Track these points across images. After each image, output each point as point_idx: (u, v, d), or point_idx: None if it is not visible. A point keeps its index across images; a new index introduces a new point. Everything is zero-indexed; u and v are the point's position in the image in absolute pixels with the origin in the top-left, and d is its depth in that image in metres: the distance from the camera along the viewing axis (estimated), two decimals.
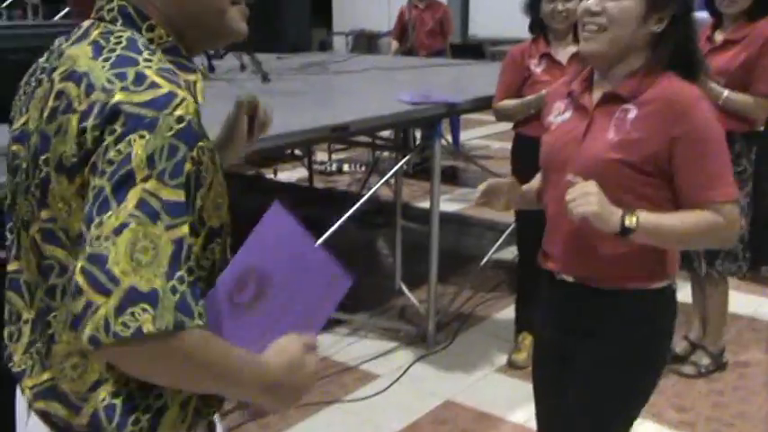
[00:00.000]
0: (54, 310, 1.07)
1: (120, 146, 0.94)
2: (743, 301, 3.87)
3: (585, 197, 1.48)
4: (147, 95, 0.96)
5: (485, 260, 4.01)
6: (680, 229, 1.57)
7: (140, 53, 1.02)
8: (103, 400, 1.04)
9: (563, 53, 3.02)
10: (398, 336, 3.57)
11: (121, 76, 0.98)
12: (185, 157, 0.96)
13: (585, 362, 1.74)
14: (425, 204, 4.26)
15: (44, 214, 1.05)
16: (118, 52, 1.01)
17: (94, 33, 1.07)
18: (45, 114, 1.03)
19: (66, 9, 4.89)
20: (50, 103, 1.03)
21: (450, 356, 3.39)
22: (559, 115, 1.76)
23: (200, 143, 0.99)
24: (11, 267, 1.16)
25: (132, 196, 0.93)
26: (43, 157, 1.02)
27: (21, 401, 1.17)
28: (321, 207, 4.82)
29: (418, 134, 5.35)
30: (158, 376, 0.99)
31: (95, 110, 0.96)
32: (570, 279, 1.73)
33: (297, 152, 6.41)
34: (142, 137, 0.94)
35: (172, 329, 0.92)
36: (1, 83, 2.11)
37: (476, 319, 3.76)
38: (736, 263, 3.07)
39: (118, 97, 0.96)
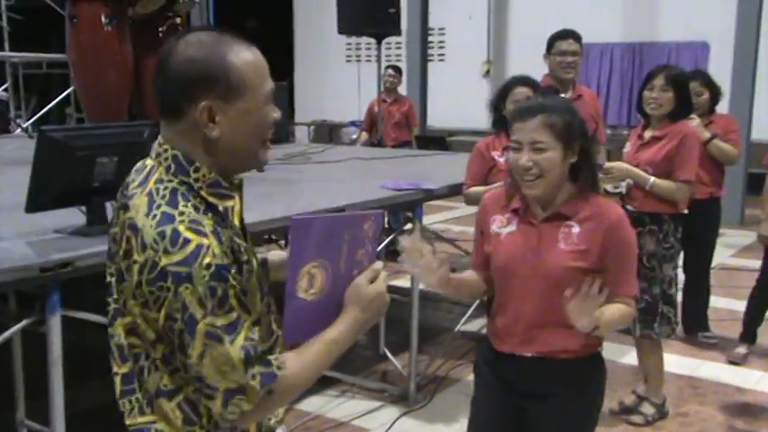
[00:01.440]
0: (144, 381, 1.41)
1: (177, 298, 1.28)
2: (683, 362, 4.39)
3: (588, 310, 1.88)
4: (181, 255, 1.27)
5: (456, 330, 4.49)
6: (618, 319, 2.02)
7: (177, 207, 1.32)
8: None
9: None
10: (383, 396, 3.97)
11: (162, 237, 1.28)
12: (225, 290, 1.29)
13: (549, 422, 2.13)
14: (397, 283, 4.77)
15: (127, 317, 1.39)
16: (162, 209, 1.32)
17: (152, 181, 1.36)
18: (121, 251, 1.36)
19: None
20: (124, 245, 1.35)
21: (429, 413, 3.79)
22: (504, 227, 2.11)
23: (232, 273, 1.31)
24: (109, 330, 1.46)
25: (199, 331, 1.30)
26: (123, 283, 1.36)
27: None
28: None
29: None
30: (287, 401, 1.47)
31: (147, 267, 1.30)
32: (529, 354, 2.09)
33: (273, 235, 6.84)
34: (186, 288, 1.27)
35: (264, 397, 1.34)
36: (69, 174, 2.60)
37: (450, 380, 4.19)
38: (669, 325, 3.54)
39: (163, 261, 1.28)
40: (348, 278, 1.50)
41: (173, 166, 1.37)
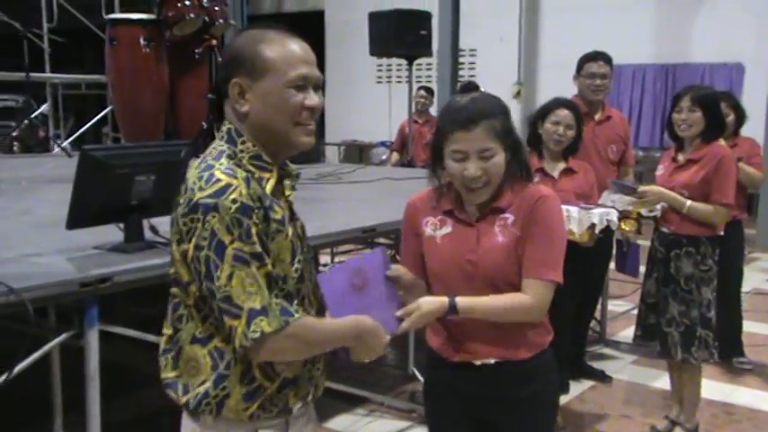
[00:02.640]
0: (179, 331, 1.62)
1: (206, 226, 1.48)
2: (717, 388, 4.32)
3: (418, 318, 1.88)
4: (211, 190, 1.49)
5: None
6: (499, 307, 1.94)
7: (219, 160, 1.56)
8: (198, 391, 1.60)
9: (554, 168, 3.61)
10: (411, 416, 3.97)
11: (200, 179, 1.52)
12: (249, 224, 1.48)
13: (518, 429, 2.11)
14: None
15: (172, 268, 1.62)
16: (207, 162, 1.56)
17: (210, 149, 1.63)
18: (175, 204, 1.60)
19: None
20: (179, 199, 1.58)
21: None
22: (438, 230, 2.04)
23: (256, 213, 1.50)
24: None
25: (228, 254, 1.48)
26: (172, 231, 1.60)
27: None
28: None
29: None
30: (289, 355, 1.59)
31: (184, 203, 1.53)
32: (492, 361, 2.03)
33: None
34: (214, 216, 1.47)
35: (283, 326, 1.50)
36: (109, 192, 2.66)
37: None
38: (707, 350, 3.47)
39: (197, 196, 1.50)
40: (376, 308, 1.82)
41: (225, 136, 1.62)
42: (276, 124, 1.60)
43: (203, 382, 1.59)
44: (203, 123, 4.76)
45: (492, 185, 1.97)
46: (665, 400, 4.00)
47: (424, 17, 6.30)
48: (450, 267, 2.02)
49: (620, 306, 5.80)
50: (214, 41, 4.74)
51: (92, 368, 2.38)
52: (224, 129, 1.63)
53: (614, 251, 4.06)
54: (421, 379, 4.18)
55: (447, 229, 2.04)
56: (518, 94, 12.38)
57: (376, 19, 6.34)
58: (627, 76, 10.82)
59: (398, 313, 1.88)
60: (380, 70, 13.16)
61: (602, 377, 4.48)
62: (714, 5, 10.11)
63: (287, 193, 1.66)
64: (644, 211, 3.49)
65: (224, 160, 1.56)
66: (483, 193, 1.97)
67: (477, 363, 2.04)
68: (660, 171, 3.60)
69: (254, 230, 1.50)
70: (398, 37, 6.21)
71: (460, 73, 11.51)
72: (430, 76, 11.81)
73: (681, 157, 3.51)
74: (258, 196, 1.54)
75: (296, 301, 1.59)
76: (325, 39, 13.77)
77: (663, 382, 4.22)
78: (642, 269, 3.79)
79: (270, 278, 1.52)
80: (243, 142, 1.60)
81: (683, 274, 3.43)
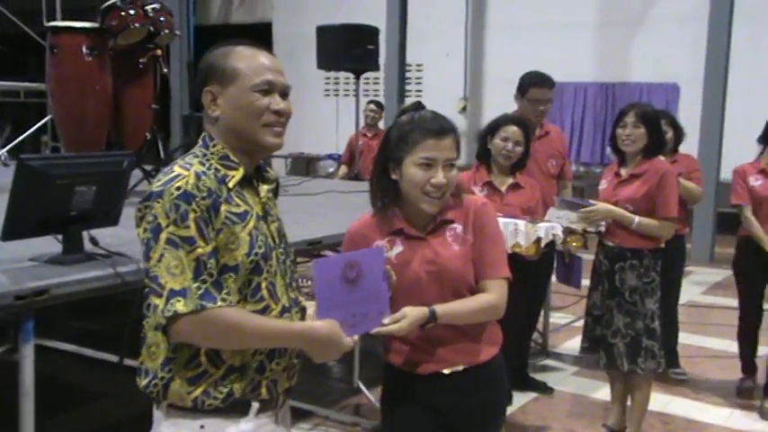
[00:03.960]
0: (145, 319, 1.71)
1: (151, 211, 1.62)
2: (654, 398, 4.38)
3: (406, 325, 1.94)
4: (163, 180, 1.64)
5: None
6: (467, 309, 2.04)
7: (184, 159, 1.71)
8: (152, 375, 1.70)
9: (503, 183, 3.67)
10: (356, 429, 3.96)
11: (161, 173, 1.69)
12: (186, 210, 1.59)
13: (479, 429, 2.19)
14: None
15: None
16: (176, 162, 1.71)
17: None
18: None
19: None
20: None
21: None
22: (390, 251, 2.07)
23: (197, 201, 1.60)
24: None
25: (162, 237, 1.60)
26: None
27: None
28: None
29: None
30: (205, 340, 1.64)
31: (144, 196, 1.67)
32: (461, 368, 2.11)
33: None
34: (158, 202, 1.62)
35: (197, 309, 1.58)
36: (47, 203, 2.61)
37: None
38: (654, 360, 3.54)
39: (153, 186, 1.66)
40: (368, 303, 1.90)
41: (200, 142, 1.77)
42: (245, 126, 1.72)
43: (157, 366, 1.69)
44: (147, 134, 4.69)
45: (446, 197, 2.06)
46: (606, 411, 4.07)
47: (371, 32, 6.35)
48: (411, 283, 2.06)
49: (562, 318, 5.90)
50: (159, 51, 4.68)
51: (26, 384, 2.31)
52: (202, 135, 1.78)
53: (555, 264, 4.14)
54: (366, 392, 4.23)
55: (399, 248, 2.10)
56: (464, 108, 12.54)
57: (324, 33, 6.37)
58: (569, 94, 11.07)
59: (385, 321, 1.93)
60: (328, 83, 13.18)
61: (544, 389, 4.54)
62: (651, 28, 10.43)
63: (262, 195, 1.77)
64: (592, 228, 3.56)
65: (189, 158, 1.71)
66: (439, 203, 2.05)
67: (447, 371, 2.11)
68: (603, 185, 3.68)
69: (191, 216, 1.60)
70: (346, 51, 6.24)
71: (407, 87, 11.62)
72: (377, 90, 11.87)
73: (624, 172, 3.60)
74: (209, 188, 1.64)
75: (226, 291, 1.63)
76: (272, 51, 13.74)
77: (604, 393, 4.30)
78: (585, 282, 3.87)
79: (199, 263, 1.60)
80: (214, 145, 1.74)
81: (627, 287, 3.50)
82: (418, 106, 2.18)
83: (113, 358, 3.83)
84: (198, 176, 1.64)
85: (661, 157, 3.64)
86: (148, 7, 4.63)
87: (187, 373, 1.67)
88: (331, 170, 7.67)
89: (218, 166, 1.71)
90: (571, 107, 11.24)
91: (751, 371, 4.53)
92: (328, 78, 12.94)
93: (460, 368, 2.12)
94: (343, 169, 7.72)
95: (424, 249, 2.09)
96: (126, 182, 2.92)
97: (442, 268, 2.07)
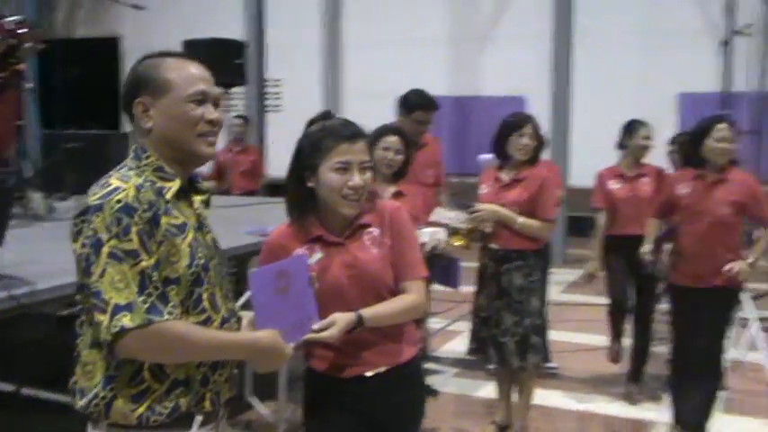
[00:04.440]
0: (78, 338, 1.70)
1: (90, 226, 1.58)
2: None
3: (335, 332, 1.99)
4: (101, 193, 1.62)
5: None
6: (393, 310, 2.12)
7: (119, 171, 1.70)
8: (89, 396, 1.67)
9: (386, 191, 3.78)
10: None
11: (96, 185, 1.66)
12: (129, 223, 1.57)
13: (407, 426, 2.27)
14: None
15: (78, 275, 1.66)
16: (109, 174, 1.69)
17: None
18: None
19: None
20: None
21: None
22: (311, 258, 2.10)
23: (139, 213, 1.59)
24: None
25: (103, 252, 1.57)
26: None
27: None
28: None
29: None
30: (153, 355, 1.62)
31: (80, 209, 1.64)
32: (383, 369, 2.17)
33: None
34: (97, 216, 1.58)
35: (145, 323, 1.56)
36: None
37: None
38: (538, 355, 3.77)
39: (89, 200, 1.63)
40: (299, 310, 1.96)
41: (132, 154, 1.75)
42: (179, 136, 1.72)
43: (96, 385, 1.66)
44: (10, 151, 4.44)
45: (363, 199, 2.11)
46: (490, 409, 4.27)
47: (239, 46, 6.33)
48: (333, 288, 2.11)
49: (438, 323, 6.11)
50: (22, 66, 4.45)
51: None
52: (131, 149, 1.75)
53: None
54: (258, 406, 4.19)
55: (318, 255, 2.14)
56: None
57: (192, 47, 6.27)
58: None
59: (315, 327, 1.96)
60: None
61: (429, 392, 4.69)
62: (499, 44, 11.05)
63: (195, 206, 1.78)
64: (488, 228, 3.72)
65: (124, 171, 1.69)
66: (357, 205, 2.11)
67: (370, 374, 2.16)
68: (485, 190, 3.86)
69: (134, 229, 1.58)
70: (215, 65, 6.16)
71: (266, 102, 11.60)
72: (236, 105, 11.77)
73: (506, 177, 3.81)
74: (149, 200, 1.63)
75: (172, 304, 1.63)
76: (121, 66, 13.27)
77: (486, 391, 4.54)
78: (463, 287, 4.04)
79: (143, 276, 1.59)
80: (147, 157, 1.72)
81: (514, 287, 3.70)
82: (326, 115, 2.24)
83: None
84: (138, 189, 1.63)
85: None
86: (9, 20, 4.39)
87: (130, 390, 1.65)
88: None
89: (154, 178, 1.70)
90: None
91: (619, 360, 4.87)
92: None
93: (383, 369, 2.17)
94: (213, 185, 7.61)
95: (343, 254, 2.14)
96: (11, 200, 2.79)
97: (362, 272, 2.13)
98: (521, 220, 3.69)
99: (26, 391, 4.01)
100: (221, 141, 7.93)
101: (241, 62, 6.27)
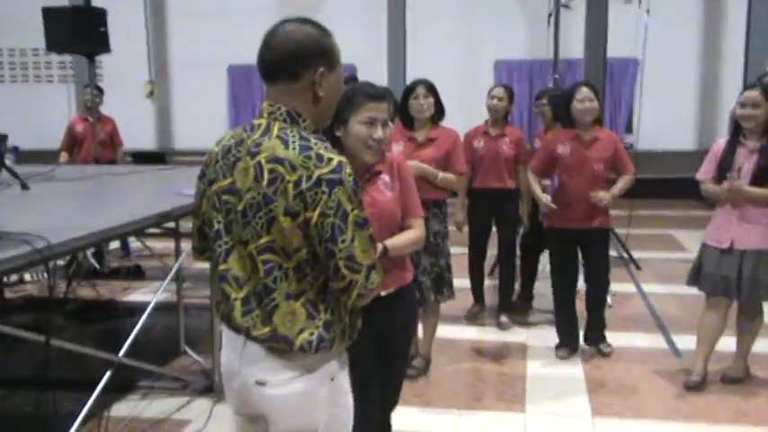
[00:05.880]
0: (273, 291, 1.84)
1: (332, 197, 1.75)
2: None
3: None
4: (329, 167, 1.77)
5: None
6: (406, 242, 2.60)
7: (308, 140, 1.80)
8: (306, 338, 1.87)
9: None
10: (186, 391, 4.20)
11: (308, 158, 1.76)
12: (358, 194, 1.79)
13: (399, 337, 2.72)
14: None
15: (265, 238, 1.82)
16: (298, 143, 1.79)
17: (275, 131, 1.83)
18: (263, 182, 1.79)
19: None
20: (267, 175, 1.79)
21: None
22: None
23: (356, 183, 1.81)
24: (222, 267, 1.93)
25: (350, 221, 1.78)
26: (271, 206, 1.78)
27: (231, 338, 1.98)
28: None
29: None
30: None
31: (304, 180, 1.75)
32: (393, 289, 2.60)
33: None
34: (339, 189, 1.76)
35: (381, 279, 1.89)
36: None
37: None
38: (451, 289, 4.34)
39: (317, 173, 1.75)
40: None
41: (287, 119, 1.85)
42: (332, 108, 1.96)
43: (302, 330, 1.85)
44: None
45: (382, 149, 2.54)
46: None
47: (101, 14, 6.30)
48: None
49: None
50: None
51: None
52: (280, 111, 1.86)
53: None
54: (193, 354, 4.46)
55: None
56: (151, 93, 12.47)
57: (51, 15, 6.15)
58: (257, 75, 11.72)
59: None
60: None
61: None
62: (327, 13, 11.46)
63: None
64: None
65: (313, 139, 1.82)
66: (378, 155, 2.53)
67: (384, 294, 2.54)
68: (400, 149, 4.27)
69: (361, 198, 1.83)
70: (77, 34, 6.13)
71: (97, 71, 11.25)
72: (64, 75, 11.35)
73: (419, 137, 4.33)
74: None
75: None
76: None
77: None
78: None
79: (372, 239, 1.85)
80: (304, 120, 1.87)
81: (431, 232, 4.18)
82: (353, 78, 2.63)
83: None
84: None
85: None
86: None
87: (339, 326, 1.91)
88: (62, 160, 7.33)
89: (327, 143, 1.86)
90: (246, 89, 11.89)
91: (480, 300, 5.68)
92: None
93: (393, 290, 2.61)
94: (64, 156, 7.49)
95: (363, 196, 2.51)
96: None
97: (381, 210, 2.54)
98: (441, 175, 4.22)
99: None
100: (75, 112, 7.81)
101: (104, 30, 6.23)
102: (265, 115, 1.89)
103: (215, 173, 1.94)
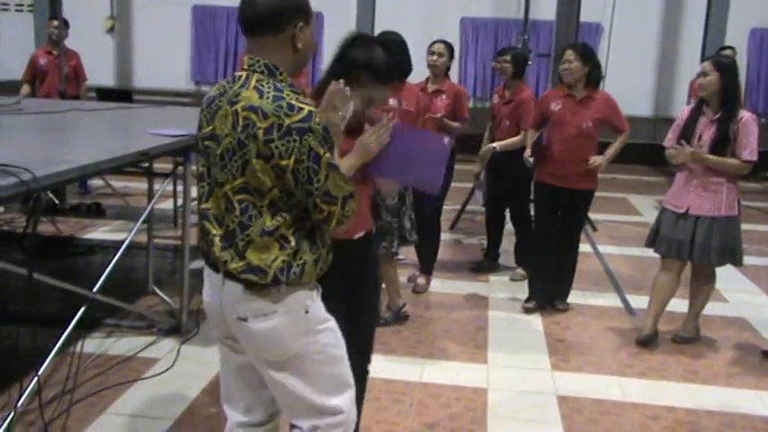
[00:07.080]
0: (249, 228, 1.97)
1: (303, 144, 1.88)
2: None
3: None
4: (300, 116, 1.89)
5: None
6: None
7: (282, 91, 1.93)
8: (278, 266, 2.00)
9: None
10: (153, 331, 4.23)
11: (280, 107, 1.89)
12: (328, 139, 1.92)
13: (370, 277, 2.79)
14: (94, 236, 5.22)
15: (239, 180, 1.95)
16: (271, 93, 1.92)
17: (253, 82, 1.96)
18: (239, 128, 1.92)
19: None
20: (241, 122, 1.92)
21: (203, 339, 4.16)
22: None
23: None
24: (203, 206, 2.08)
25: (323, 162, 1.93)
26: (245, 150, 1.91)
27: (211, 276, 2.12)
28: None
29: None
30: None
31: (275, 128, 1.88)
32: (362, 233, 2.63)
33: None
34: (309, 136, 1.89)
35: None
36: None
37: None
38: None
39: (287, 121, 1.87)
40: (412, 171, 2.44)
41: (265, 71, 1.98)
42: (306, 60, 2.08)
43: (275, 259, 1.99)
44: None
45: None
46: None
47: None
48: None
49: None
50: None
51: None
52: (259, 65, 1.98)
53: None
54: (161, 294, 4.47)
55: None
56: (112, 28, 12.15)
57: None
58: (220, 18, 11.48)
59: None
60: None
61: None
62: None
63: None
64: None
65: (286, 90, 1.94)
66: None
67: (356, 237, 2.62)
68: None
69: (332, 143, 1.96)
70: None
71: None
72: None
73: (431, 88, 4.87)
74: None
75: None
76: None
77: None
78: None
79: (344, 178, 2.01)
80: (281, 73, 1.99)
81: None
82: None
83: None
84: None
85: None
86: None
87: (312, 255, 2.05)
88: (24, 92, 7.13)
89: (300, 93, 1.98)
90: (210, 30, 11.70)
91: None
92: None
93: (362, 233, 2.64)
94: (26, 88, 7.30)
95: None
96: None
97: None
98: (445, 121, 4.77)
99: None
100: (39, 44, 7.58)
101: None
102: (245, 68, 2.01)
103: (200, 121, 2.10)
